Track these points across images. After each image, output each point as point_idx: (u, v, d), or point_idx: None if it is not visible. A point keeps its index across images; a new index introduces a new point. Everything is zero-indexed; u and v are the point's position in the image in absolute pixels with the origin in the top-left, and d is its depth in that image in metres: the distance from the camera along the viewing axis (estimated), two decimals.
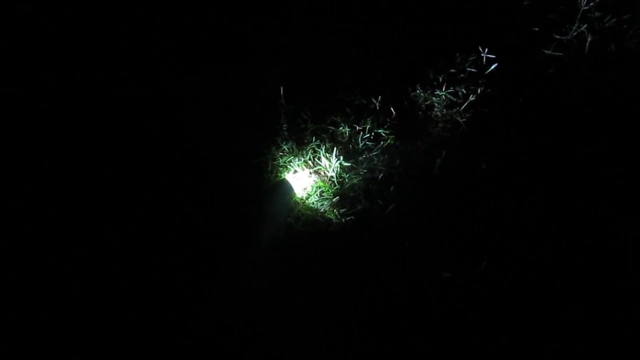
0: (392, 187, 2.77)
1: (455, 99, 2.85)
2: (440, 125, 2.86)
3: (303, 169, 2.87)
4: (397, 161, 2.82)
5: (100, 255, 2.73)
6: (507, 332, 2.51)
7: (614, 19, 2.73)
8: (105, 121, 2.97)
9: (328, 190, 2.82)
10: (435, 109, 2.87)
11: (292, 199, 2.82)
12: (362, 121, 2.86)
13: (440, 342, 2.55)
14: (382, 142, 2.85)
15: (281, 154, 2.88)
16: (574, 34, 2.77)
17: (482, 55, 2.81)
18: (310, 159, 2.87)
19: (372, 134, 2.86)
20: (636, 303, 2.46)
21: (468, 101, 2.82)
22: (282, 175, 2.87)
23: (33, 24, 3.09)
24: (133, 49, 3.06)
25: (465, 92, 2.84)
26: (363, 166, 2.83)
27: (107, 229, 2.79)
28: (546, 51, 2.81)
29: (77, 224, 2.79)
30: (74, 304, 2.64)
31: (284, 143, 2.88)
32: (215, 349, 2.57)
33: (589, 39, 2.74)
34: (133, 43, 3.06)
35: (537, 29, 2.82)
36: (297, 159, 2.87)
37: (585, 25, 2.75)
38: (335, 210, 2.77)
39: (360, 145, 2.86)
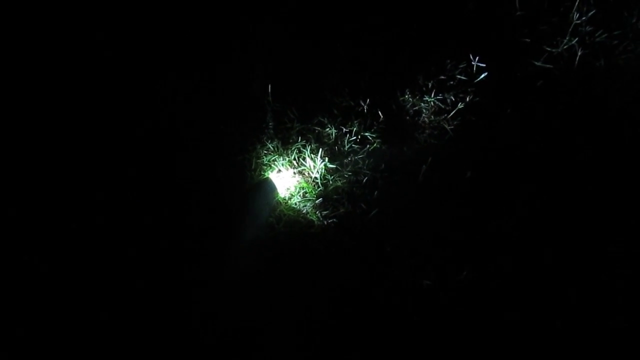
0: (376, 192, 2.75)
1: (443, 106, 2.83)
2: (427, 131, 2.84)
3: (287, 169, 2.83)
4: (382, 165, 2.80)
5: (85, 249, 2.69)
6: (487, 341, 2.50)
7: (605, 34, 2.73)
8: (89, 118, 2.91)
9: (311, 192, 2.78)
10: (423, 115, 2.85)
11: (274, 198, 2.79)
12: (349, 123, 2.84)
13: (418, 349, 2.53)
14: (368, 146, 2.83)
15: (266, 152, 2.85)
16: (565, 47, 2.76)
17: (473, 63, 2.80)
18: (294, 159, 2.83)
19: (359, 136, 2.83)
20: (621, 312, 2.46)
21: (456, 109, 2.80)
22: (266, 174, 2.83)
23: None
24: (120, 47, 3.01)
25: (453, 99, 2.82)
26: (348, 169, 2.80)
27: (88, 224, 2.74)
28: (536, 63, 2.80)
29: (60, 221, 2.75)
30: (56, 301, 2.61)
31: (269, 141, 2.84)
32: (195, 342, 2.55)
33: (579, 53, 2.74)
34: (120, 41, 3.00)
35: (528, 40, 2.82)
36: (281, 158, 2.83)
37: (576, 39, 2.74)
38: (317, 212, 2.73)
39: (346, 147, 2.83)
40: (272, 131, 2.85)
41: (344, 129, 2.84)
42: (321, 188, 2.78)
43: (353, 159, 2.81)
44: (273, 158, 2.83)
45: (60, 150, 2.85)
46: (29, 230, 2.71)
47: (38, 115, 2.90)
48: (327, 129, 2.84)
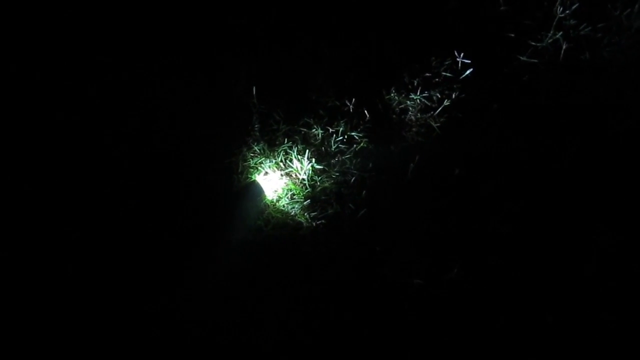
0: (364, 192, 2.73)
1: (429, 104, 2.82)
2: (414, 129, 2.83)
3: (274, 171, 2.82)
4: (370, 165, 2.78)
5: (71, 253, 2.67)
6: (479, 338, 2.49)
7: (589, 28, 2.72)
8: (69, 121, 2.88)
9: (299, 193, 2.77)
10: (410, 113, 2.84)
11: (262, 201, 2.77)
12: (335, 123, 2.82)
13: (409, 348, 2.52)
14: (355, 145, 2.81)
15: (252, 155, 2.83)
16: (550, 41, 2.76)
17: (458, 60, 2.79)
18: (281, 161, 2.81)
19: (345, 136, 2.82)
20: (612, 306, 2.45)
21: (442, 106, 2.79)
22: (253, 177, 2.81)
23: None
24: (105, 48, 2.98)
25: (439, 96, 2.81)
26: (335, 169, 2.78)
27: (73, 228, 2.72)
28: (521, 57, 2.79)
29: (45, 222, 2.72)
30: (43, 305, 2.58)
31: (255, 144, 2.82)
32: (182, 348, 2.52)
33: (564, 47, 2.73)
34: (100, 43, 2.98)
35: (512, 35, 2.81)
36: (268, 161, 2.81)
37: (561, 33, 2.73)
38: (306, 214, 2.72)
39: (333, 148, 2.81)
40: (258, 133, 2.83)
41: (331, 130, 2.82)
42: (309, 189, 2.77)
43: (340, 159, 2.79)
44: (260, 160, 2.82)
45: (41, 153, 2.82)
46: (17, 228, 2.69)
47: (22, 116, 2.87)
48: (314, 130, 2.82)
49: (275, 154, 2.81)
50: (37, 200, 2.75)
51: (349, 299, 2.61)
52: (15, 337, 2.53)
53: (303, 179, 2.77)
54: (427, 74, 2.85)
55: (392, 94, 2.84)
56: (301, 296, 2.63)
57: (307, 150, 2.76)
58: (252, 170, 2.81)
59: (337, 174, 2.77)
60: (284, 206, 2.75)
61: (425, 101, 2.82)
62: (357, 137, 2.82)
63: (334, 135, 2.81)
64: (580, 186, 2.65)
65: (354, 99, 2.83)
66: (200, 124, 2.87)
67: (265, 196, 2.77)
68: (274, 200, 2.77)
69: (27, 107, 2.90)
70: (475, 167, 2.74)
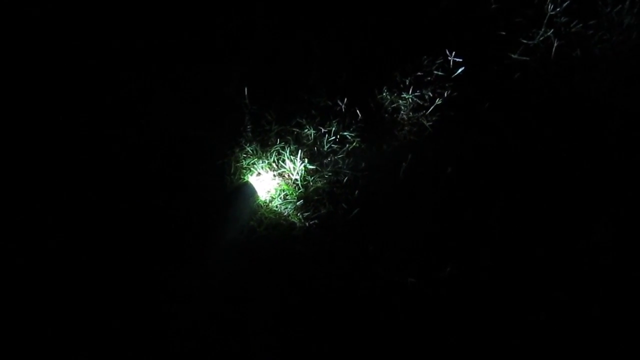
0: (356, 191, 2.73)
1: (421, 102, 2.82)
2: (406, 128, 2.83)
3: (267, 172, 2.81)
4: (363, 164, 2.78)
5: (62, 255, 2.66)
6: (472, 336, 2.50)
7: (580, 25, 2.73)
8: (66, 123, 2.88)
9: (292, 194, 2.77)
10: (402, 112, 2.84)
11: (255, 202, 2.77)
12: (328, 123, 2.82)
13: (403, 347, 2.52)
14: (347, 145, 2.81)
15: (245, 155, 2.83)
16: (541, 38, 2.76)
17: (449, 58, 2.79)
18: (274, 161, 2.81)
19: (338, 136, 2.82)
20: (603, 302, 2.47)
21: (434, 105, 2.79)
22: (246, 178, 2.81)
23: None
24: (90, 49, 2.97)
25: (431, 95, 2.81)
26: (328, 169, 2.78)
27: (65, 229, 2.71)
28: (513, 55, 2.79)
29: (36, 225, 2.71)
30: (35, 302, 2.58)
31: (248, 145, 2.82)
32: (174, 348, 2.53)
33: (555, 44, 2.73)
34: (90, 43, 2.97)
35: (504, 33, 2.81)
36: (261, 161, 2.81)
37: (552, 30, 2.74)
38: (299, 214, 2.72)
39: (326, 147, 2.81)
40: (250, 134, 2.82)
41: (323, 129, 2.82)
42: (302, 189, 2.77)
43: (333, 159, 2.79)
44: (252, 161, 2.81)
45: (35, 154, 2.81)
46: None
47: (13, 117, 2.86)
48: (306, 130, 2.82)
49: (268, 154, 2.81)
50: (30, 200, 2.74)
51: (343, 299, 2.62)
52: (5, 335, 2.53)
53: (296, 179, 2.77)
54: (419, 73, 2.85)
55: (384, 93, 2.84)
56: (295, 296, 2.64)
57: (300, 151, 2.76)
58: (244, 171, 2.81)
59: (330, 173, 2.77)
60: (276, 207, 2.75)
61: (417, 100, 2.82)
62: (349, 137, 2.82)
63: (327, 135, 2.81)
64: (572, 183, 2.65)
65: (346, 99, 2.83)
66: (192, 125, 2.87)
67: (258, 197, 2.77)
68: (267, 201, 2.77)
69: (18, 107, 2.89)
70: (467, 165, 2.75)
